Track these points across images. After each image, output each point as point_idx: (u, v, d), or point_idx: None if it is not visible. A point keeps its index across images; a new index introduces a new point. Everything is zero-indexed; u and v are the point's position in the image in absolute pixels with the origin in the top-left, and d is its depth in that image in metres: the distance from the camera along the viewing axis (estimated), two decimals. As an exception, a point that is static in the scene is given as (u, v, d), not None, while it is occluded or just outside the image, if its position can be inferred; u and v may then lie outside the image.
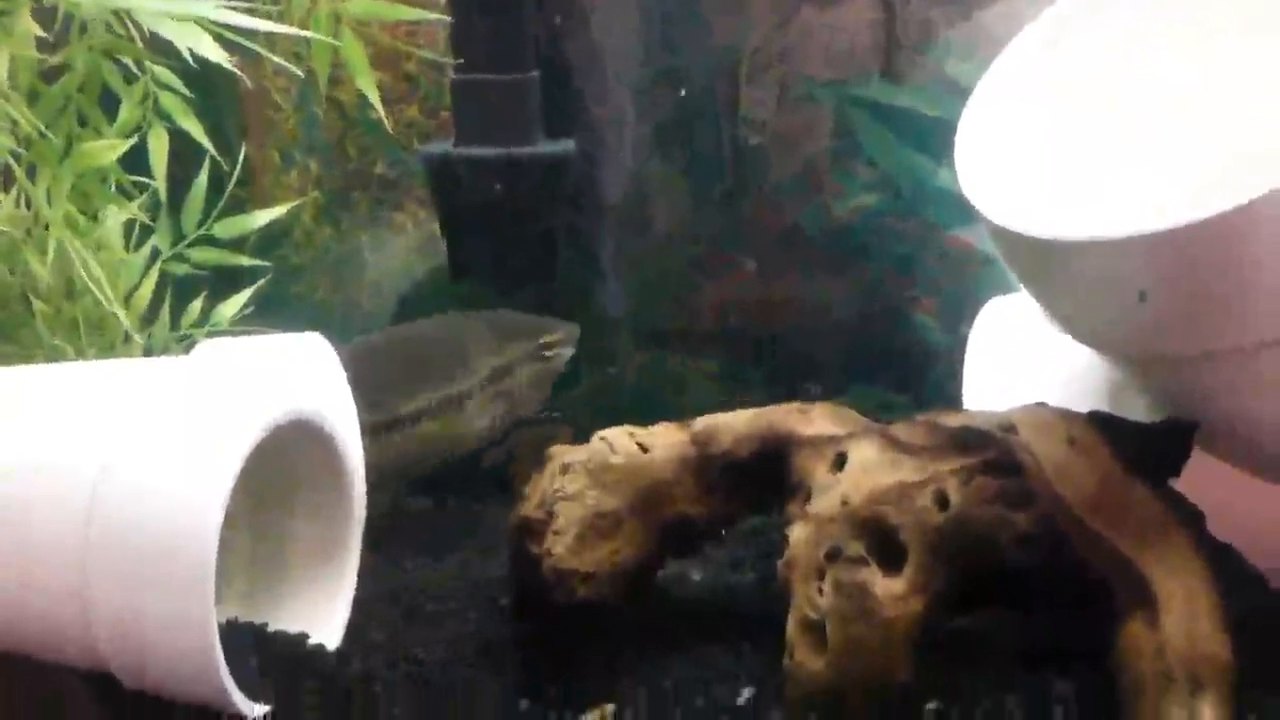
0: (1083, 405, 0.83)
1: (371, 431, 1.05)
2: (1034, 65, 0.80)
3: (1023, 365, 0.93)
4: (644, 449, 0.92)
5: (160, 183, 1.07)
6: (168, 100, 1.05)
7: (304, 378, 0.88)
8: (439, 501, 1.27)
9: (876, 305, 1.40)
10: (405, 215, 1.36)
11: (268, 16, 0.96)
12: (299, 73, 1.14)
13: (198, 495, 0.74)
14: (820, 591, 0.80)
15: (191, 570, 0.73)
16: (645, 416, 0.99)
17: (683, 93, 1.39)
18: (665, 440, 0.93)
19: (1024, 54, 0.80)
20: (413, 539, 1.16)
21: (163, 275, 1.12)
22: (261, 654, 0.85)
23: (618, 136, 1.41)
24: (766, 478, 0.91)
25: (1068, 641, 0.78)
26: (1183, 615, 0.71)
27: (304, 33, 1.00)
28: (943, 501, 0.77)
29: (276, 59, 1.04)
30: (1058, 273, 0.73)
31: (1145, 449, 0.77)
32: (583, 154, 1.34)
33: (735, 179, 1.40)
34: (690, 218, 1.41)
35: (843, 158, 1.36)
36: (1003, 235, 0.72)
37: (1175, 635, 0.70)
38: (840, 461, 0.85)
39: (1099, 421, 0.78)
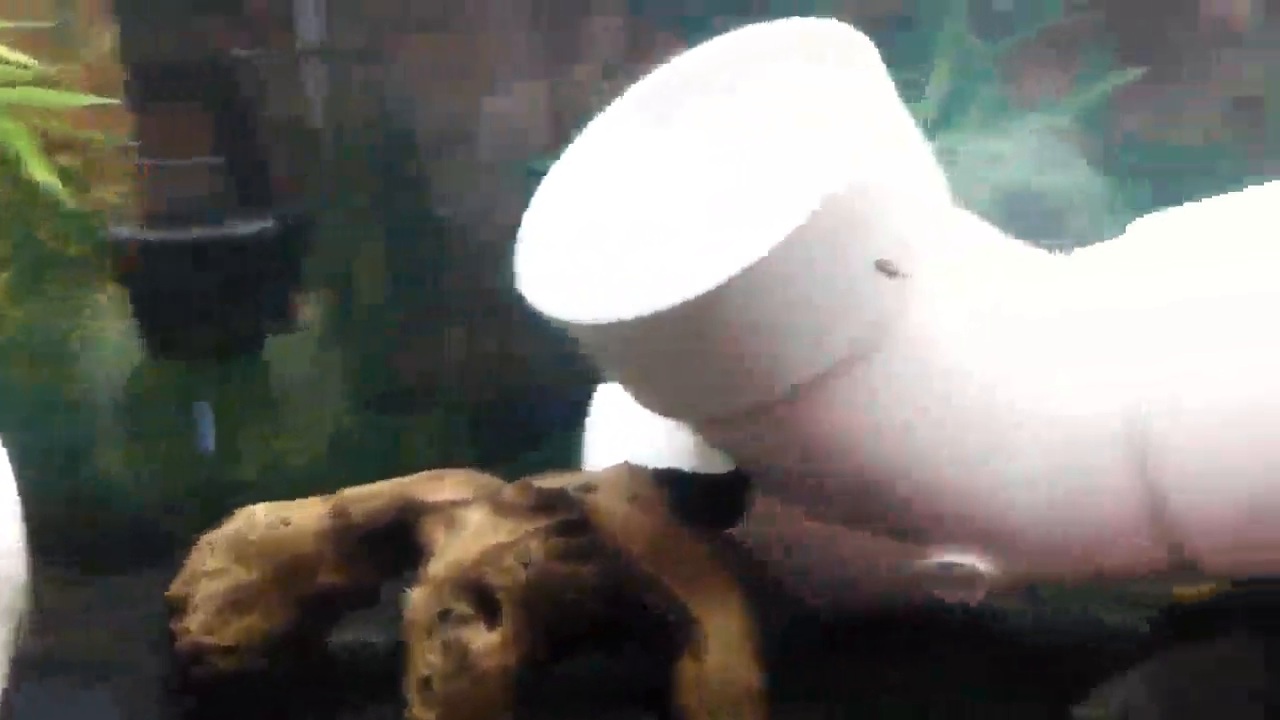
0: (678, 464, 0.92)
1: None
2: (601, 154, 0.88)
3: (633, 429, 1.01)
4: (285, 523, 0.98)
5: None
6: None
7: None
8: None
9: (576, 365, 1.48)
10: (100, 295, 1.39)
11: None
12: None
13: None
14: (432, 650, 0.87)
15: None
16: (358, 479, 1.04)
17: (382, 169, 1.45)
18: (305, 513, 0.98)
19: (592, 144, 0.89)
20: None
21: None
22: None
23: (320, 212, 1.47)
24: (405, 544, 0.98)
25: (653, 681, 0.86)
26: (721, 649, 0.79)
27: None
28: (527, 560, 0.85)
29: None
30: (601, 353, 0.81)
31: (699, 500, 0.86)
32: (282, 231, 1.40)
33: (436, 249, 1.47)
34: (393, 288, 1.48)
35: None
36: (557, 322, 0.80)
37: (714, 668, 0.79)
38: (457, 526, 0.92)
39: (660, 477, 0.86)
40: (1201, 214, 0.85)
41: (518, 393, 1.48)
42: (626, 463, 0.90)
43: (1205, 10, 1.35)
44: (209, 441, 1.35)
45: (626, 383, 0.84)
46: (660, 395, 0.83)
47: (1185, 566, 0.83)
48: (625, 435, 1.02)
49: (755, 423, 0.79)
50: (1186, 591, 1.00)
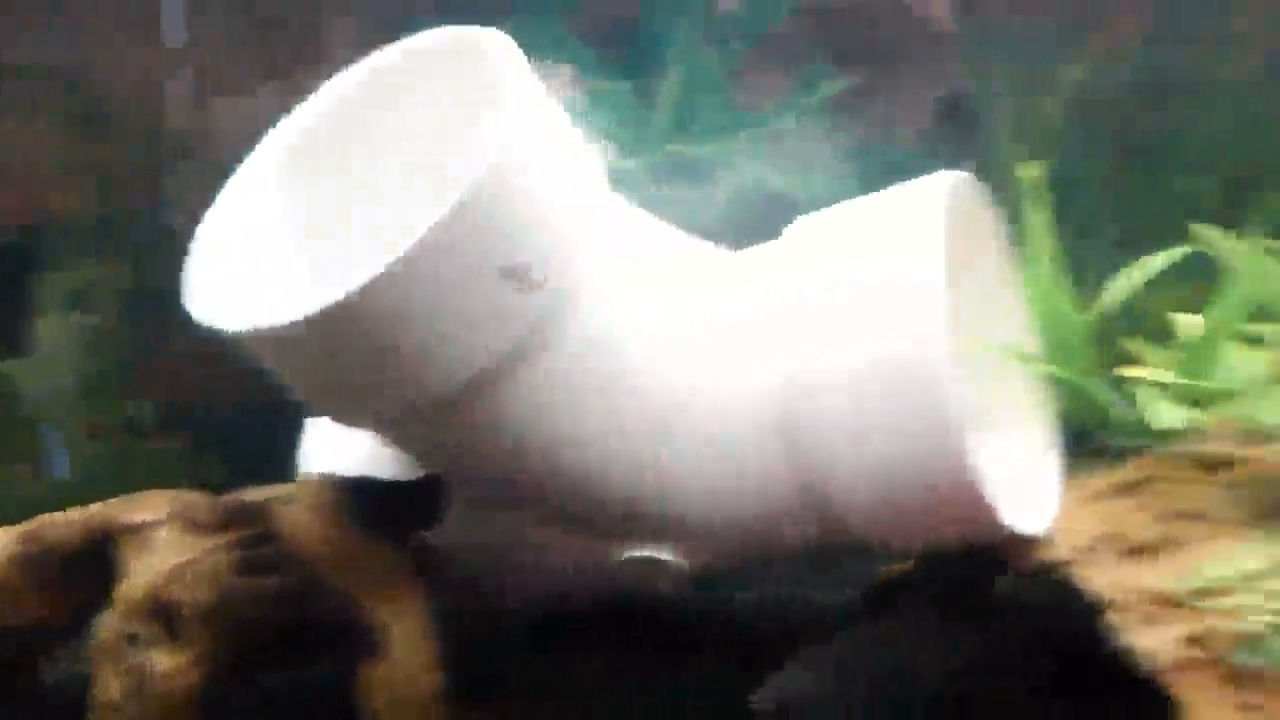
0: (383, 473, 0.92)
1: None
2: (275, 167, 0.88)
3: (344, 439, 1.01)
4: (-30, 553, 0.95)
5: None
6: None
7: None
8: None
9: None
10: None
11: None
12: None
13: None
14: (116, 674, 0.85)
15: None
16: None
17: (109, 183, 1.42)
18: (-7, 542, 0.96)
19: (266, 157, 0.89)
20: None
21: None
22: None
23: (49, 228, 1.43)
24: (103, 569, 0.96)
25: (343, 688, 0.86)
26: (403, 653, 0.80)
27: None
28: (211, 576, 0.84)
29: None
30: (263, 362, 0.82)
31: (391, 506, 0.86)
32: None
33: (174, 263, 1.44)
34: (129, 313, 1.44)
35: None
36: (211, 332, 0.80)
37: (396, 672, 0.80)
38: (148, 547, 0.91)
39: (349, 486, 0.87)
40: (845, 212, 0.90)
41: (264, 411, 1.46)
42: (322, 473, 0.90)
43: (914, 12, 1.41)
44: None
45: (295, 390, 0.84)
46: (323, 400, 0.83)
47: (857, 543, 0.87)
48: (338, 445, 1.02)
49: (421, 424, 0.80)
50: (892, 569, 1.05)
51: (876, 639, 0.86)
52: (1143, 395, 0.94)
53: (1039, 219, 1.01)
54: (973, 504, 0.83)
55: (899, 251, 0.81)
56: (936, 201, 0.83)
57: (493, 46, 0.79)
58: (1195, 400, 0.99)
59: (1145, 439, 1.04)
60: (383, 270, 0.71)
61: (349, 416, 0.83)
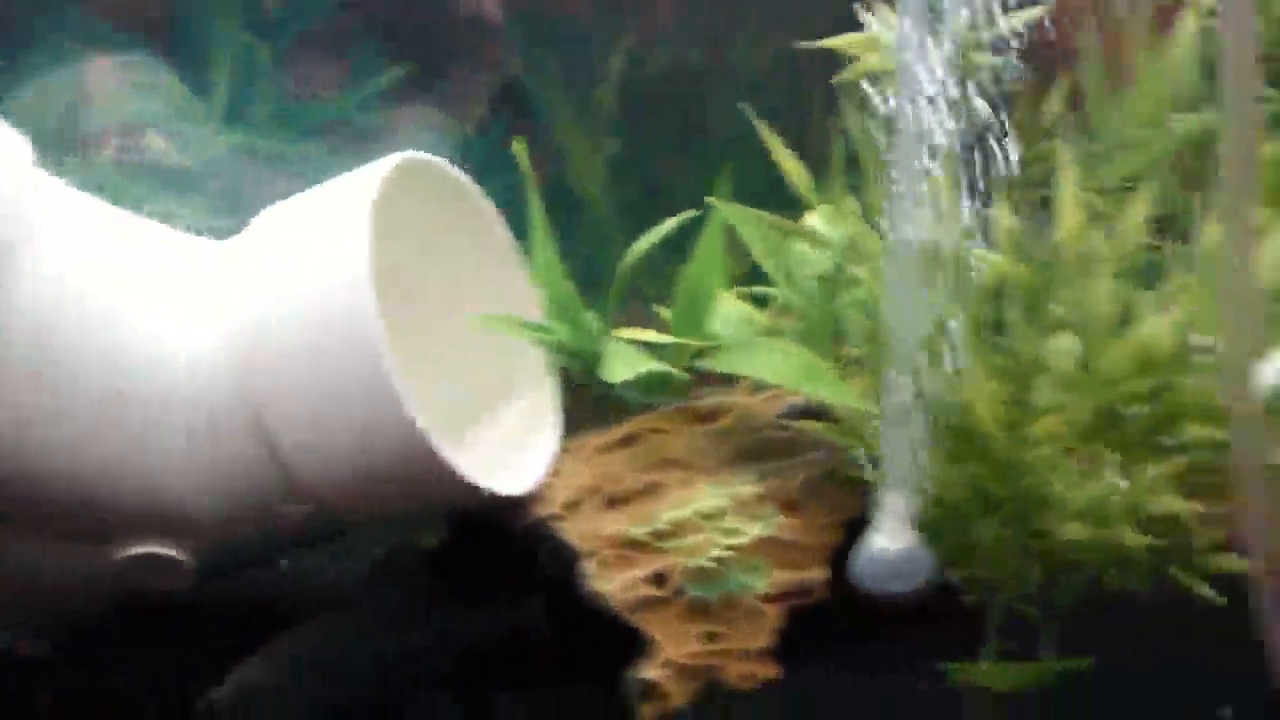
0: None
1: None
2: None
3: None
4: None
5: None
6: None
7: None
8: None
9: None
10: None
11: None
12: None
13: None
14: None
15: None
16: None
17: None
18: None
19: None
20: None
21: None
22: None
23: None
24: None
25: None
26: None
27: None
28: None
29: None
30: None
31: None
32: None
33: None
34: None
35: None
36: None
37: None
38: None
39: None
40: (305, 196, 0.91)
41: None
42: None
43: (462, 8, 1.44)
44: None
45: None
46: None
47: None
48: None
49: None
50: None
51: (338, 625, 0.87)
52: (610, 353, 0.99)
53: (532, 193, 1.05)
54: (418, 455, 0.83)
55: (333, 219, 0.83)
56: (377, 175, 0.86)
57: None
58: (696, 354, 1.05)
59: (654, 396, 1.10)
60: None
61: None
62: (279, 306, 0.82)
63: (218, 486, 0.84)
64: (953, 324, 0.78)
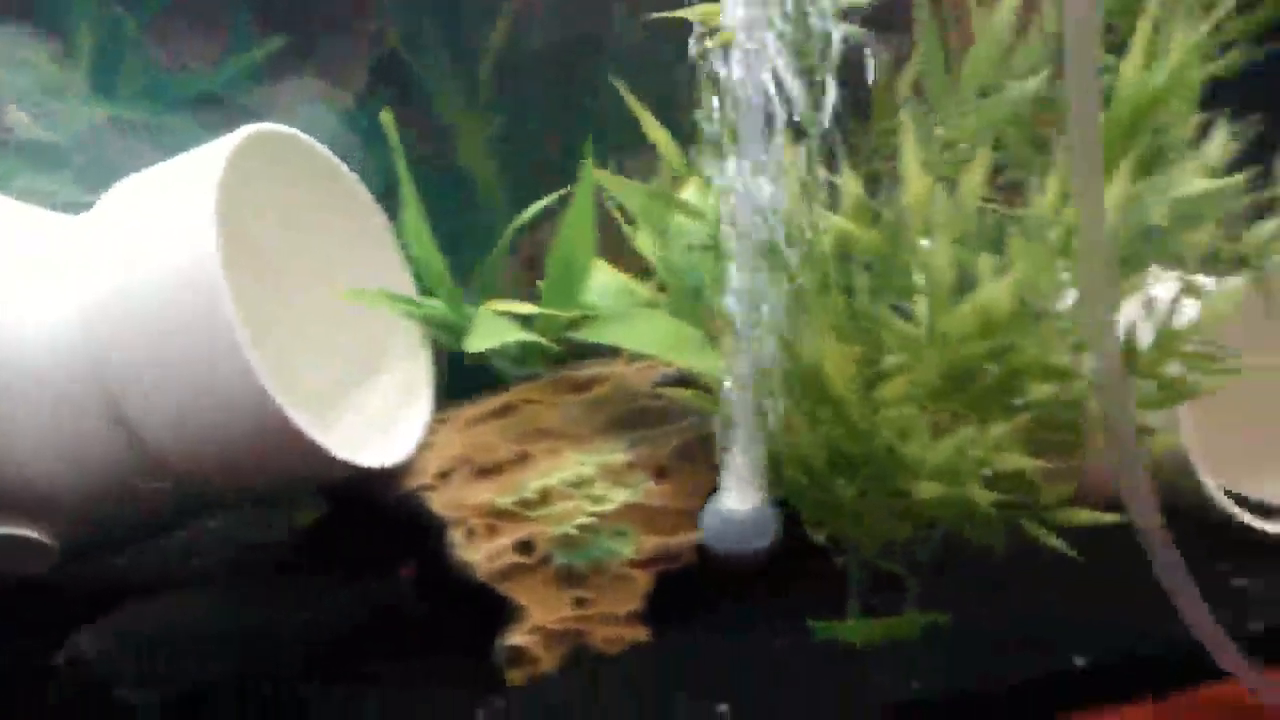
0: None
1: None
2: None
3: None
4: None
5: None
6: None
7: None
8: None
9: None
10: None
11: None
12: None
13: None
14: None
15: None
16: None
17: None
18: None
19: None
20: None
21: None
22: None
23: None
24: None
25: None
26: None
27: None
28: None
29: None
30: None
31: None
32: None
33: None
34: None
35: None
36: None
37: None
38: None
39: None
40: (157, 169, 0.90)
41: None
42: None
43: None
44: None
45: None
46: None
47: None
48: None
49: None
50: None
51: (188, 601, 0.86)
52: (477, 323, 0.99)
53: (401, 164, 1.05)
54: (272, 426, 0.83)
55: (181, 192, 0.82)
56: (226, 148, 0.85)
57: None
58: (570, 325, 1.05)
59: (526, 367, 1.11)
60: None
61: None
62: (129, 281, 0.81)
63: (77, 464, 0.83)
64: (778, 291, 0.78)
